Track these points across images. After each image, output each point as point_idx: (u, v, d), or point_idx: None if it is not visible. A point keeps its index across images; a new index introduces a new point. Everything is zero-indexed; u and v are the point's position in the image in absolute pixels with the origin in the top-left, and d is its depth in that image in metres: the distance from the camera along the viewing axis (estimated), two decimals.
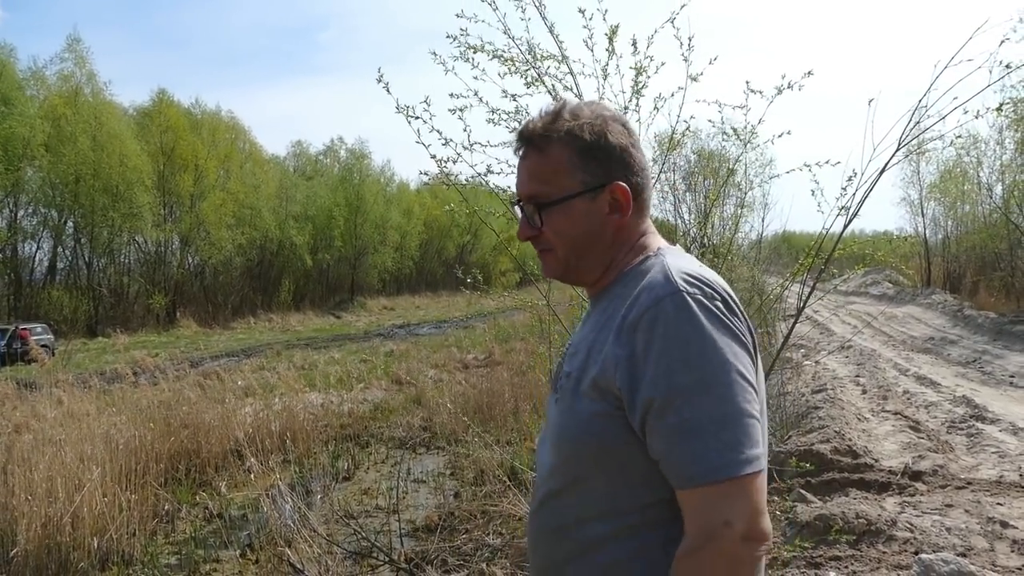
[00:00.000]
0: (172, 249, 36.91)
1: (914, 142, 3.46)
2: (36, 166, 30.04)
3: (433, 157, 3.74)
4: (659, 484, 1.13)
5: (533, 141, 1.30)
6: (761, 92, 3.55)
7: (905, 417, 7.88)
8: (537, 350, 8.91)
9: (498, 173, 3.79)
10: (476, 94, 3.78)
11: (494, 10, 3.79)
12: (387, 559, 5.40)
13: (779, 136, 3.84)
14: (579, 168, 1.28)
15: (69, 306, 30.94)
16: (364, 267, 48.98)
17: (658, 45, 3.76)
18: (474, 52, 3.79)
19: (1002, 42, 3.12)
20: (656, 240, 1.35)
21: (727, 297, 1.17)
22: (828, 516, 4.23)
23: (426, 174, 4.46)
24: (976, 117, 3.31)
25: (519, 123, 3.71)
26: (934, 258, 31.21)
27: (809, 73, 3.51)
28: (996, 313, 17.91)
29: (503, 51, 3.85)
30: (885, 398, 9.17)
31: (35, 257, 32.49)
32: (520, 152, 1.34)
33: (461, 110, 3.72)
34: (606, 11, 3.67)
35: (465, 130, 3.73)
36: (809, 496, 4.92)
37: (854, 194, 3.39)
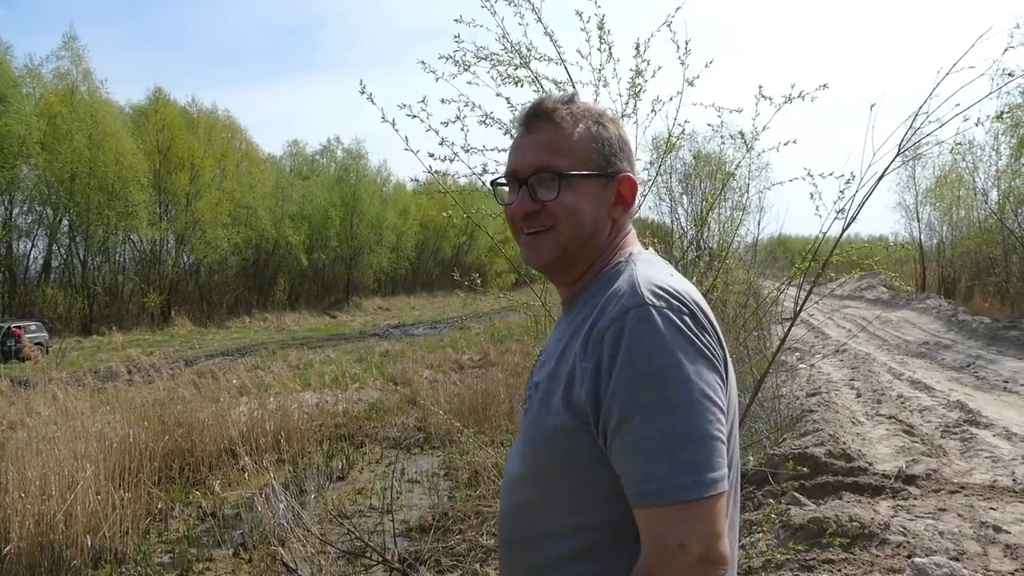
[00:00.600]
0: (167, 248, 36.84)
1: (914, 148, 3.47)
2: (32, 164, 29.98)
3: (429, 167, 3.73)
4: (624, 500, 1.09)
5: (551, 116, 1.27)
6: (770, 99, 3.54)
7: (899, 421, 7.90)
8: (532, 351, 8.91)
9: (493, 173, 3.77)
10: (468, 103, 3.74)
11: (493, 15, 3.78)
12: (381, 559, 5.39)
13: (784, 144, 3.82)
14: (596, 152, 1.26)
15: (64, 304, 30.85)
16: (360, 267, 48.94)
17: (653, 49, 3.76)
18: (466, 68, 3.77)
19: (1006, 50, 3.13)
20: (632, 244, 1.32)
21: (696, 311, 1.13)
22: (822, 519, 4.24)
23: (416, 180, 4.46)
24: (977, 124, 3.32)
25: (512, 124, 3.68)
26: (929, 263, 31.29)
27: (824, 86, 3.50)
28: (990, 318, 17.97)
29: (499, 55, 3.85)
30: (879, 402, 9.20)
31: (30, 255, 32.43)
32: (527, 126, 1.29)
33: (456, 120, 3.70)
34: (603, 16, 3.67)
35: (462, 130, 3.73)
36: (803, 499, 4.93)
37: (852, 197, 3.40)
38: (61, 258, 33.32)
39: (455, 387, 13.08)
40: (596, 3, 3.71)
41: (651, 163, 4.47)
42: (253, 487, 7.44)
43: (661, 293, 1.12)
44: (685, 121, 3.86)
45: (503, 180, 1.34)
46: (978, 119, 3.36)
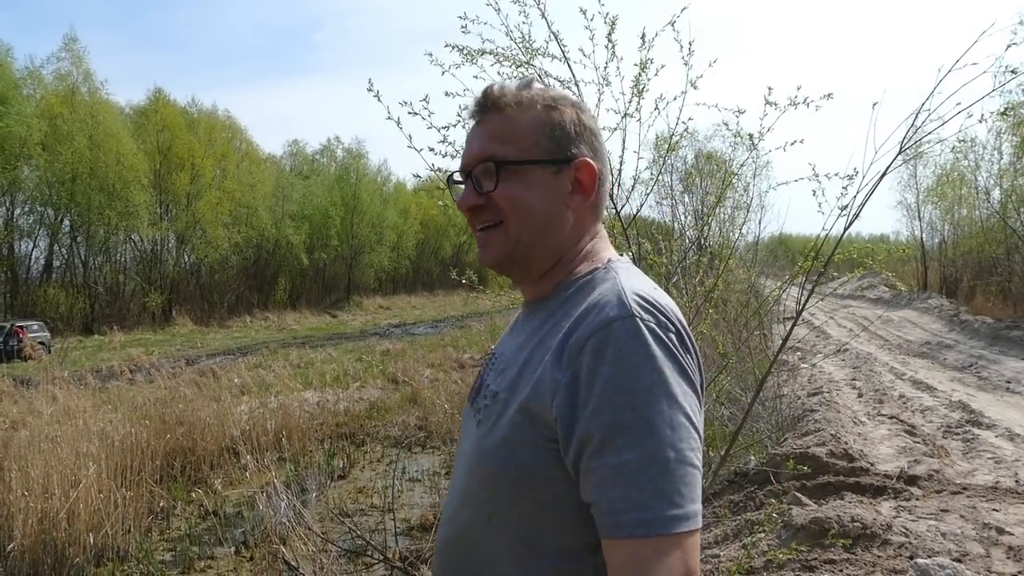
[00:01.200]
0: (168, 247, 36.88)
1: (916, 147, 3.46)
2: (33, 165, 30.00)
3: (432, 164, 3.73)
4: (581, 528, 1.01)
5: (498, 104, 1.17)
6: (776, 104, 3.54)
7: (901, 421, 7.90)
8: None
9: None
10: (473, 98, 3.73)
11: (497, 12, 3.78)
12: (382, 558, 5.39)
13: (791, 144, 3.80)
14: (546, 137, 1.15)
15: (65, 304, 30.88)
16: (360, 266, 48.96)
17: (656, 48, 3.76)
18: (471, 60, 3.77)
19: (1008, 47, 3.12)
20: (607, 249, 1.21)
21: (681, 329, 1.04)
22: (823, 519, 4.23)
23: (417, 176, 4.45)
24: (980, 121, 3.31)
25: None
26: (931, 262, 31.28)
27: (829, 95, 3.49)
28: (992, 318, 17.95)
29: (503, 50, 3.84)
30: (881, 402, 9.19)
31: (31, 255, 32.47)
32: (477, 117, 1.19)
33: (457, 120, 3.68)
34: (607, 15, 3.66)
35: (463, 127, 3.72)
36: (804, 499, 4.93)
37: (855, 196, 3.39)
38: (62, 258, 33.35)
39: (456, 386, 13.08)
40: (600, 1, 3.70)
41: (653, 162, 4.48)
42: (254, 486, 7.44)
43: (649, 306, 1.03)
44: (689, 118, 3.85)
45: (459, 177, 1.23)
46: (981, 115, 3.34)
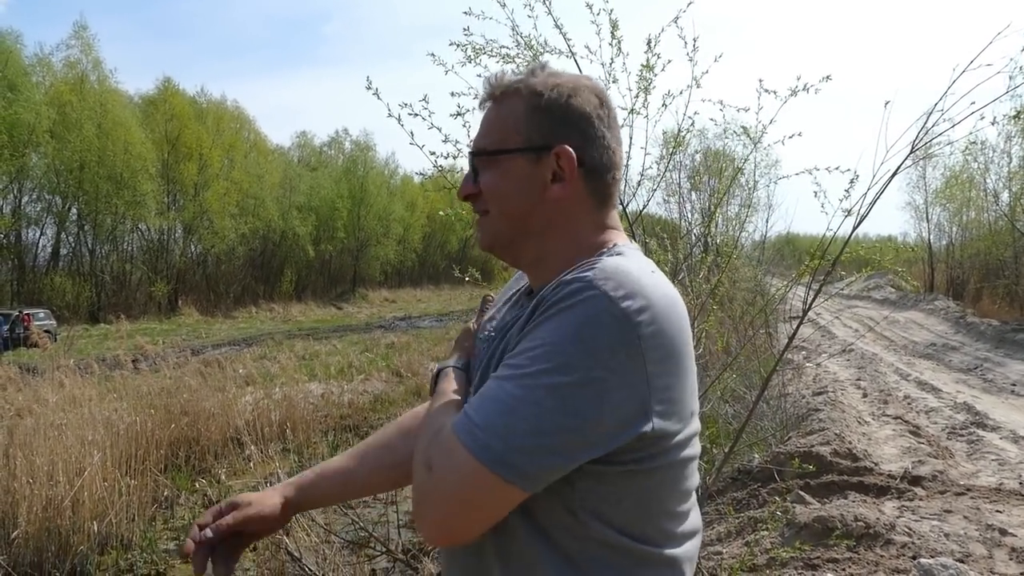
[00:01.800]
0: (175, 237, 37.01)
1: (927, 147, 3.45)
2: (41, 152, 30.10)
3: (435, 163, 3.71)
4: (587, 511, 1.00)
5: (494, 95, 1.18)
6: (775, 92, 3.51)
7: (905, 422, 7.88)
8: None
9: None
10: (476, 97, 3.70)
11: (502, 6, 3.76)
12: (385, 550, 5.40)
13: (790, 137, 3.80)
14: (527, 125, 1.13)
15: (72, 292, 30.99)
16: (366, 259, 49.03)
17: (662, 44, 3.74)
18: (475, 60, 3.75)
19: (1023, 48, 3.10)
20: (617, 239, 1.18)
21: (658, 315, 0.99)
22: (827, 518, 4.23)
23: (422, 174, 4.42)
24: (993, 123, 3.29)
25: None
26: (938, 264, 31.19)
27: (827, 77, 3.47)
28: (999, 321, 17.90)
29: (507, 48, 3.83)
30: (886, 402, 9.17)
31: (39, 243, 32.64)
32: (482, 108, 1.21)
33: (458, 115, 3.65)
34: (612, 12, 3.65)
35: (464, 125, 3.69)
36: (808, 498, 4.93)
37: (864, 195, 3.38)
38: (69, 246, 33.50)
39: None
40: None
41: (660, 159, 4.46)
42: (258, 476, 7.46)
43: (627, 284, 0.98)
44: (695, 113, 3.83)
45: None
46: (994, 118, 3.33)
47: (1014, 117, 3.55)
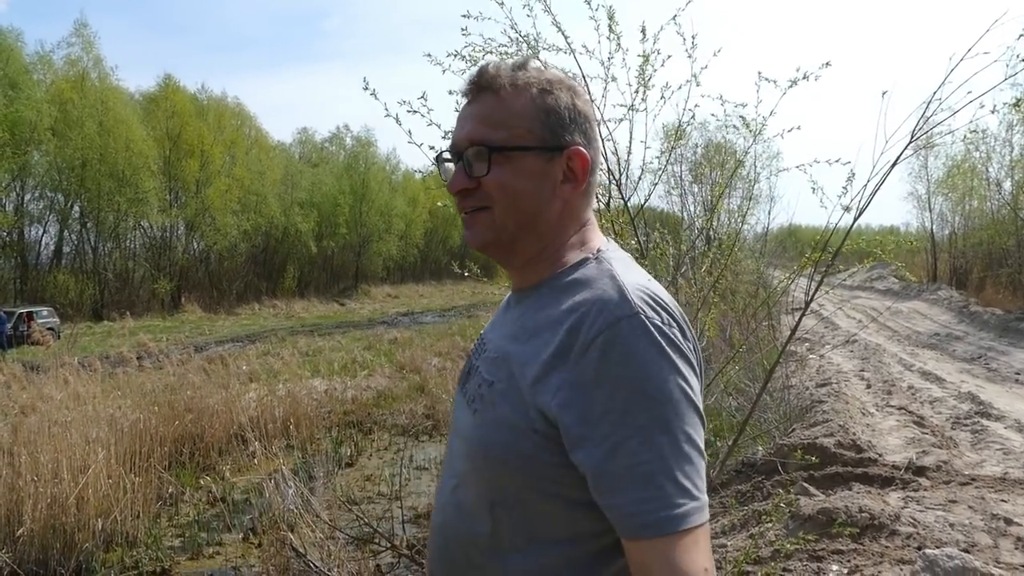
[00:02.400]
0: (177, 234, 37.00)
1: (926, 136, 3.43)
2: (43, 150, 30.08)
3: (434, 160, 3.70)
4: (583, 517, 1.03)
5: (492, 85, 1.14)
6: (775, 82, 3.50)
7: (909, 412, 7.87)
8: None
9: None
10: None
11: (501, 5, 3.75)
12: (389, 545, 5.41)
13: (789, 131, 3.80)
14: (541, 123, 1.12)
15: (75, 290, 31.03)
16: (368, 255, 49.03)
17: (661, 41, 3.73)
18: (474, 63, 3.73)
19: (1020, 36, 3.08)
20: (597, 237, 1.19)
21: (681, 321, 1.05)
22: (831, 509, 4.22)
23: (421, 172, 4.42)
24: (992, 112, 3.28)
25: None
26: (940, 253, 31.13)
27: (827, 64, 3.45)
28: (1002, 310, 17.86)
29: (506, 47, 3.81)
30: (889, 393, 9.16)
31: (41, 241, 32.60)
32: (469, 96, 1.17)
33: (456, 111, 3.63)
34: (610, 7, 3.63)
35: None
36: (812, 489, 4.92)
37: (865, 186, 3.36)
38: (72, 244, 33.51)
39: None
40: None
41: (661, 152, 4.44)
42: (262, 473, 7.48)
43: (651, 302, 1.02)
44: (695, 106, 3.82)
45: (448, 156, 1.20)
46: (993, 106, 3.31)
47: (1014, 105, 3.53)
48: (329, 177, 45.83)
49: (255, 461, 7.88)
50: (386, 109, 3.45)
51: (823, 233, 3.73)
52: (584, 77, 3.76)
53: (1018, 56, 3.17)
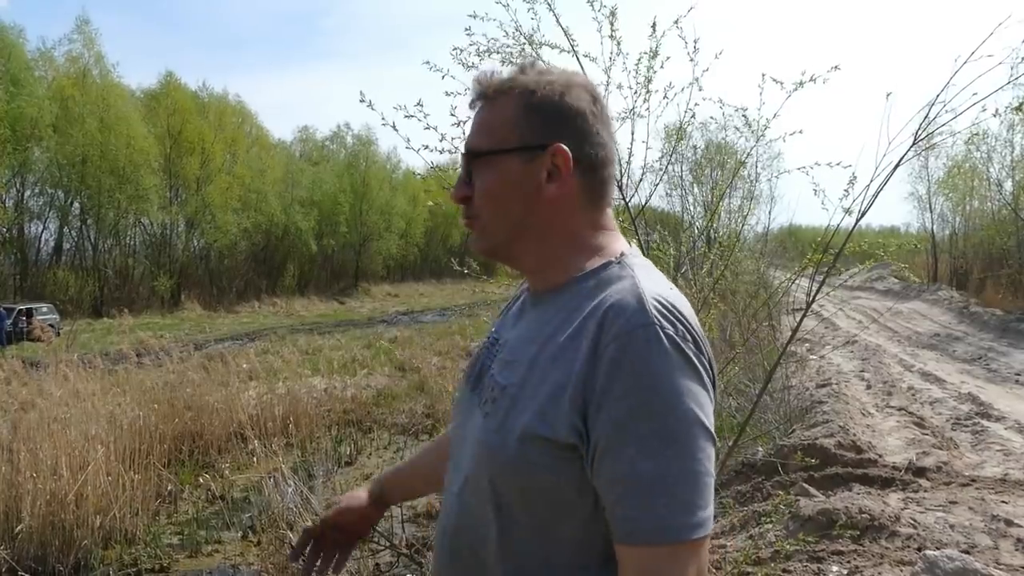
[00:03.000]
0: (177, 232, 36.99)
1: (929, 138, 3.42)
2: (43, 146, 30.09)
3: (432, 163, 3.68)
4: (592, 523, 1.02)
5: (486, 94, 1.14)
6: (781, 83, 3.48)
7: (909, 413, 7.87)
8: None
9: None
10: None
11: (505, 7, 3.73)
12: (388, 544, 5.40)
13: (791, 134, 3.79)
14: (522, 123, 1.10)
15: (75, 286, 31.05)
16: (369, 253, 49.04)
17: (662, 45, 3.72)
18: (472, 66, 3.71)
19: None
20: (618, 242, 1.16)
21: (696, 333, 1.03)
22: (831, 510, 4.22)
23: (420, 174, 4.40)
24: (995, 115, 3.27)
25: None
26: (941, 254, 31.12)
27: (835, 67, 3.44)
28: (1003, 310, 17.86)
29: (509, 46, 3.80)
30: (890, 394, 9.16)
31: (41, 237, 32.62)
32: (472, 107, 1.18)
33: (457, 123, 3.60)
34: (613, 9, 3.62)
35: (458, 125, 3.66)
36: (812, 490, 4.92)
37: (867, 187, 3.36)
38: (72, 241, 33.53)
39: (463, 374, 13.07)
40: None
41: (663, 154, 4.45)
42: (262, 471, 7.48)
43: (668, 313, 1.01)
44: (696, 105, 3.81)
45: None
46: (996, 109, 3.30)
47: (1016, 108, 3.52)
48: (330, 175, 45.83)
49: (254, 459, 7.88)
50: (383, 118, 3.43)
51: (824, 234, 3.73)
52: (583, 68, 3.76)
53: (1022, 58, 3.16)
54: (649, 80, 3.73)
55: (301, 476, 7.51)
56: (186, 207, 35.56)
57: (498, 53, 3.75)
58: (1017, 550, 3.95)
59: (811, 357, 11.16)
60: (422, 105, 3.43)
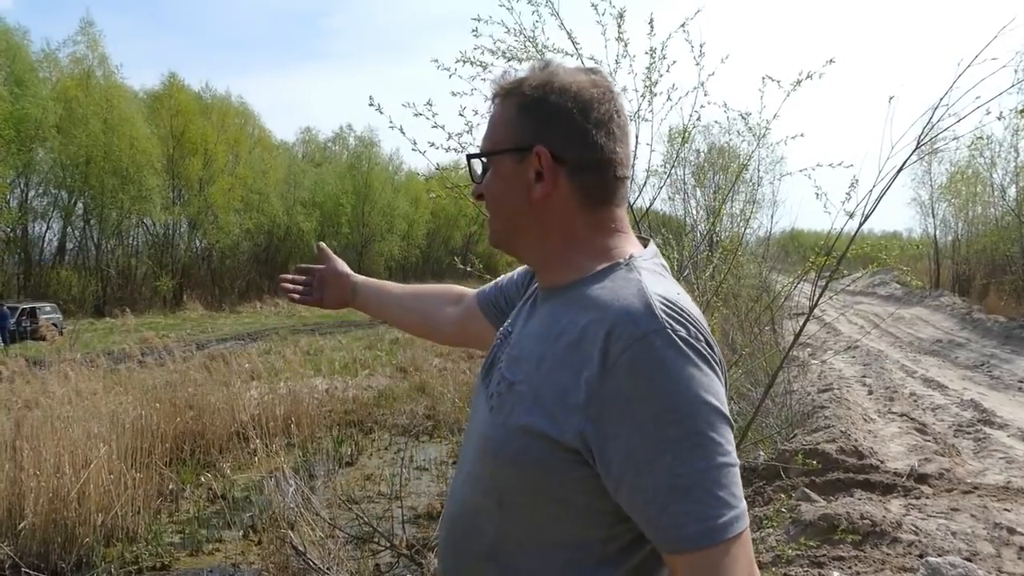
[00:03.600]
0: (180, 232, 37.08)
1: (932, 142, 3.42)
2: (47, 147, 30.20)
3: (437, 164, 3.68)
4: (592, 522, 1.03)
5: (497, 95, 1.18)
6: (779, 82, 3.49)
7: (911, 419, 7.85)
8: None
9: None
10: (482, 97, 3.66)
11: (510, 10, 3.75)
12: (389, 544, 5.41)
13: (792, 137, 3.80)
14: (515, 124, 1.14)
15: (78, 286, 31.11)
16: (371, 255, 49.06)
17: (668, 48, 3.73)
18: (483, 67, 3.71)
19: None
20: (628, 244, 1.16)
21: (707, 334, 1.03)
22: (832, 516, 4.22)
23: (425, 175, 4.41)
24: (999, 118, 3.27)
25: None
26: (943, 260, 31.05)
27: (831, 61, 3.45)
28: (1006, 317, 17.81)
29: (514, 48, 3.81)
30: (892, 399, 9.14)
31: (45, 237, 32.76)
32: (491, 107, 1.22)
33: (466, 126, 3.61)
34: (620, 12, 3.63)
35: (467, 125, 3.67)
36: (813, 495, 4.91)
37: (870, 191, 3.36)
38: (75, 241, 33.61)
39: (464, 376, 13.10)
40: (611, 2, 3.66)
41: (666, 158, 4.45)
42: (263, 470, 7.48)
43: (679, 316, 1.00)
44: (700, 107, 3.82)
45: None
46: (1000, 112, 3.30)
47: (1021, 112, 3.52)
48: (332, 177, 45.90)
49: (256, 459, 7.89)
50: (391, 122, 3.44)
51: (827, 238, 3.73)
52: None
53: None
54: (655, 83, 3.74)
55: (302, 476, 7.53)
56: (189, 207, 35.62)
57: (504, 55, 3.77)
58: (1020, 558, 3.95)
59: (813, 362, 11.15)
60: (431, 104, 3.46)
